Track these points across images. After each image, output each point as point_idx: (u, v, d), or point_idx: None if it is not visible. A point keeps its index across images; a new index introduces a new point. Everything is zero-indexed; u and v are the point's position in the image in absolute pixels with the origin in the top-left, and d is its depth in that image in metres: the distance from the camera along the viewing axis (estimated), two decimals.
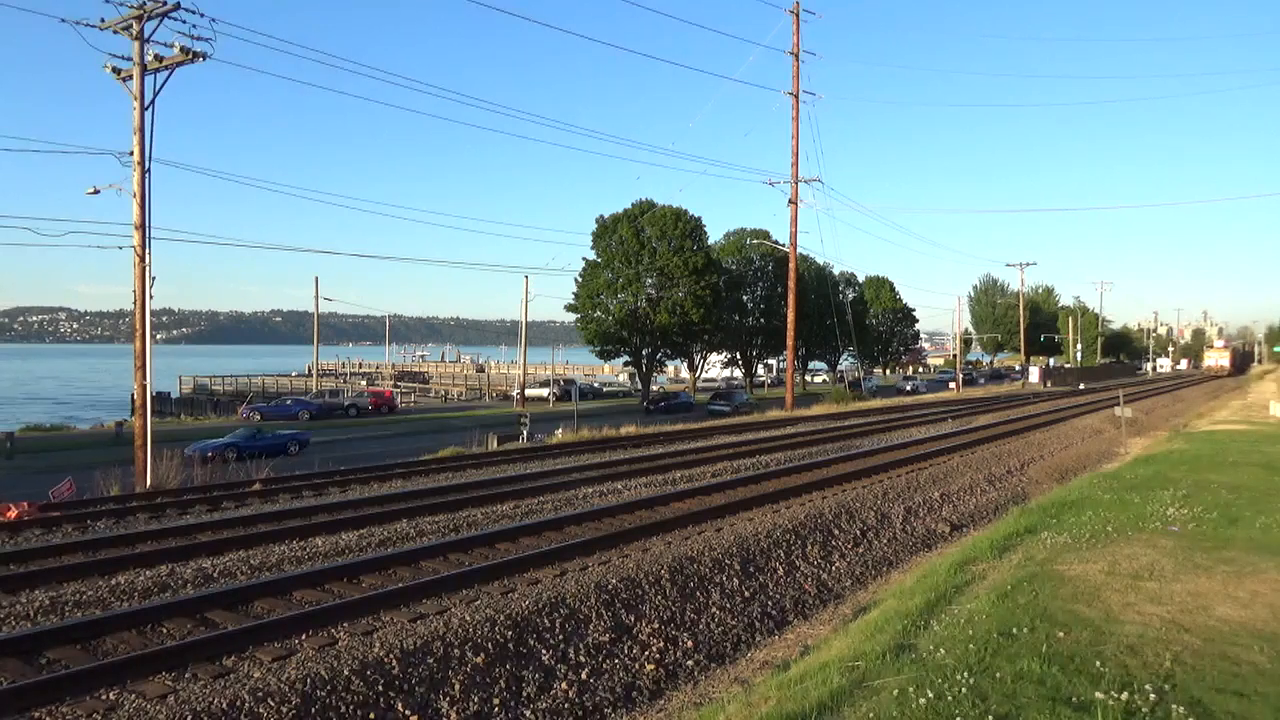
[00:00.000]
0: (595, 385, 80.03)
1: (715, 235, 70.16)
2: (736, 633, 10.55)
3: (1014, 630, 7.96)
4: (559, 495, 17.26)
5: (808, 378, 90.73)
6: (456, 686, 8.20)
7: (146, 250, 21.74)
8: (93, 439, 39.36)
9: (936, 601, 9.49)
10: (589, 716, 8.31)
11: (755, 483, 18.63)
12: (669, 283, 59.04)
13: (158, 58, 21.46)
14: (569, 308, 62.16)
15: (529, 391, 63.40)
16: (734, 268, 71.40)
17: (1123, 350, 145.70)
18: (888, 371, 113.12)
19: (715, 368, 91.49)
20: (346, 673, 7.86)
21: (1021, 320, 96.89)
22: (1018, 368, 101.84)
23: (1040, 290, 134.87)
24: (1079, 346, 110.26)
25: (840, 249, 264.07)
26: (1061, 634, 7.82)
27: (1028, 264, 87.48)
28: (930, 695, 6.32)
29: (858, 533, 15.16)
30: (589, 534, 13.33)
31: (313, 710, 7.38)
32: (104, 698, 7.34)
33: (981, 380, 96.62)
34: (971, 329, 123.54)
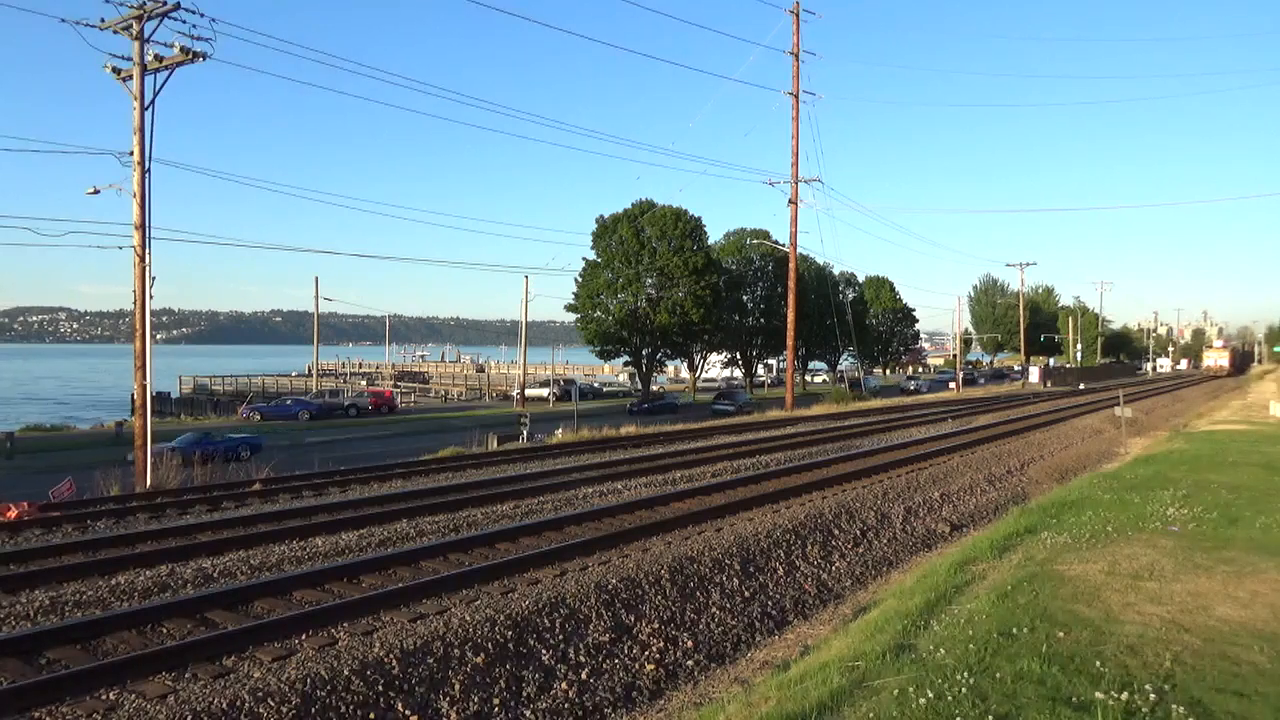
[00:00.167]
0: (595, 385, 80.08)
1: (715, 235, 70.25)
2: (736, 633, 10.55)
3: (1014, 630, 7.96)
4: (559, 495, 17.26)
5: (808, 378, 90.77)
6: (456, 686, 8.20)
7: (146, 250, 21.74)
8: (93, 439, 39.37)
9: (936, 601, 9.49)
10: (589, 716, 8.31)
11: (755, 483, 18.63)
12: (669, 283, 59.05)
13: (158, 58, 21.46)
14: (569, 308, 62.18)
15: (529, 391, 63.41)
16: (734, 268, 71.41)
17: (1123, 350, 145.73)
18: (888, 371, 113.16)
19: (715, 368, 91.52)
20: (346, 673, 7.86)
21: (1021, 320, 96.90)
22: (1017, 368, 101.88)
23: (1040, 290, 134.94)
24: (1079, 346, 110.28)
25: (840, 249, 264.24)
26: (1061, 634, 7.82)
27: (1028, 264, 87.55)
28: (930, 695, 6.32)
29: (858, 533, 15.16)
30: (589, 534, 13.33)
31: (313, 710, 7.38)
32: (104, 698, 7.34)
33: (981, 380, 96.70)
34: (971, 329, 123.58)
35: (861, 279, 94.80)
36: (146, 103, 21.56)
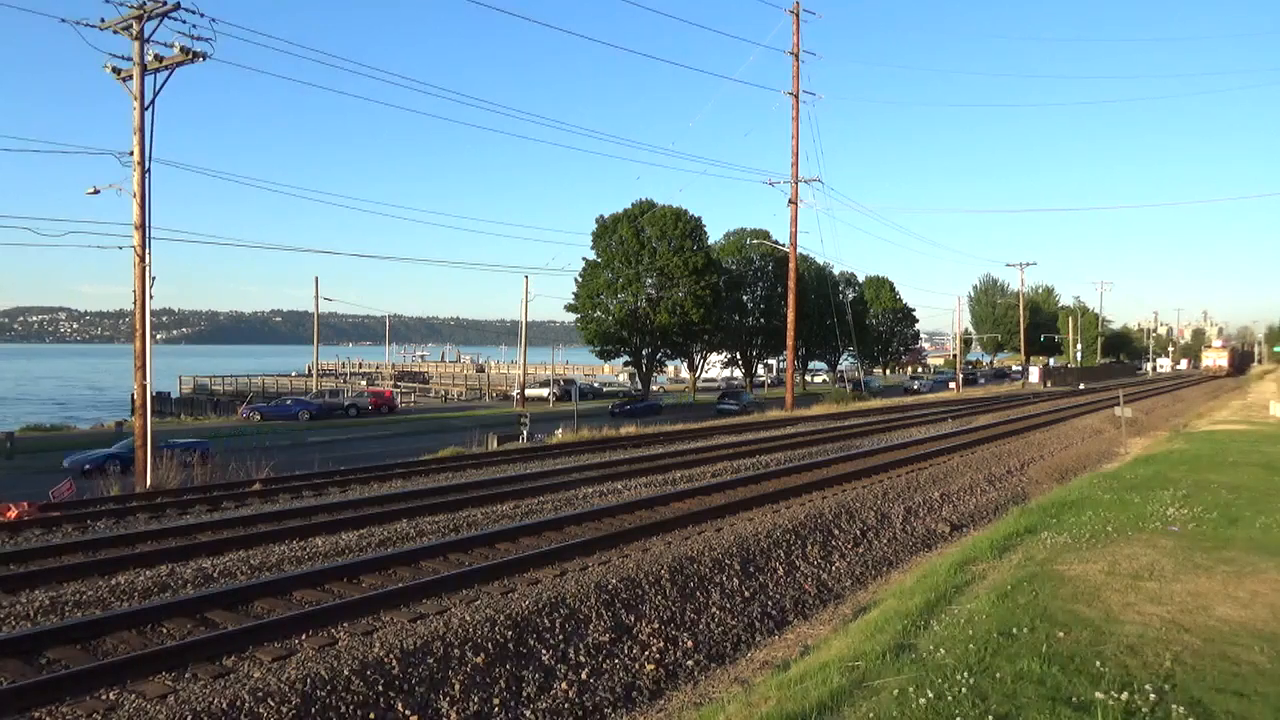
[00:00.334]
0: (595, 385, 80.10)
1: (715, 235, 70.34)
2: (736, 633, 10.55)
3: (1014, 630, 7.96)
4: (559, 495, 17.26)
5: (808, 378, 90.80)
6: (456, 686, 8.20)
7: (146, 250, 21.74)
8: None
9: (936, 601, 9.49)
10: (589, 716, 8.31)
11: (755, 483, 18.63)
12: (669, 283, 59.06)
13: (158, 58, 21.47)
14: (569, 308, 62.19)
15: (529, 391, 63.41)
16: (734, 268, 71.44)
17: (1123, 350, 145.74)
18: (888, 371, 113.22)
19: (715, 368, 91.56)
20: (346, 673, 7.86)
21: (1021, 320, 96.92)
22: (1017, 368, 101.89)
23: (1040, 290, 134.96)
24: (1079, 346, 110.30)
25: (840, 249, 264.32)
26: (1061, 634, 7.82)
27: (1028, 264, 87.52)
28: (930, 695, 6.32)
29: (858, 533, 15.16)
30: (589, 534, 13.33)
31: (313, 710, 7.38)
32: (104, 698, 7.34)
33: (982, 380, 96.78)
34: (971, 329, 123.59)
35: (861, 279, 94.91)
36: (146, 103, 21.56)
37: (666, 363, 72.24)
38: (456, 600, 9.99)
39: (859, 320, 79.02)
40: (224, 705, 7.11)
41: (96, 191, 22.88)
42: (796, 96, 43.26)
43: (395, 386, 75.49)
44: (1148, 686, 6.46)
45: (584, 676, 8.89)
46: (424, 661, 8.33)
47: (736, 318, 71.61)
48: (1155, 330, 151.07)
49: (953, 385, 76.52)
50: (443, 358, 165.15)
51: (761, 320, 73.14)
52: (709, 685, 8.95)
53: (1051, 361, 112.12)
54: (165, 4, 20.99)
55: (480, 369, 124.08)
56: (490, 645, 8.86)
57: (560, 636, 9.41)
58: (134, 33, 21.32)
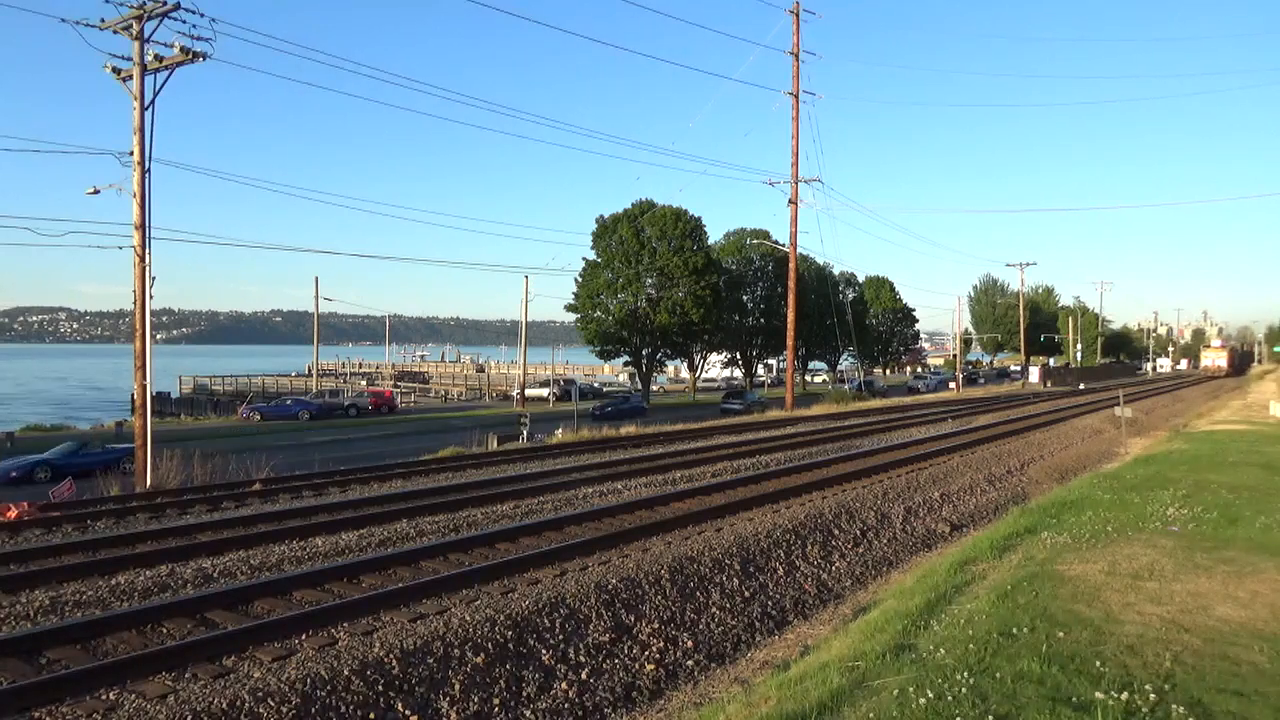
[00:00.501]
0: (595, 385, 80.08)
1: (715, 235, 70.38)
2: (736, 633, 10.55)
3: (1014, 630, 7.96)
4: (559, 495, 17.26)
5: (808, 378, 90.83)
6: (456, 686, 8.20)
7: (146, 250, 21.74)
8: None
9: (936, 601, 9.49)
10: (589, 716, 8.31)
11: (755, 483, 18.63)
12: (669, 283, 59.08)
13: (158, 58, 21.46)
14: (569, 308, 62.23)
15: (529, 391, 63.41)
16: (734, 268, 71.47)
17: (1123, 350, 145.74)
18: (888, 371, 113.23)
19: (715, 368, 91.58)
20: (346, 673, 7.86)
21: (1021, 320, 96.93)
22: (1016, 367, 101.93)
23: (1040, 290, 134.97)
24: (1079, 346, 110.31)
25: (840, 249, 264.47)
26: (1061, 634, 7.82)
27: (1028, 264, 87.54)
28: (930, 695, 6.32)
29: (858, 533, 15.16)
30: (589, 534, 13.33)
31: (313, 710, 7.38)
32: (104, 698, 7.34)
33: (982, 380, 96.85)
34: (971, 329, 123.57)
35: (861, 279, 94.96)
36: (146, 103, 21.56)
37: (666, 363, 72.30)
38: (456, 600, 9.99)
39: (859, 320, 79.05)
40: (224, 705, 7.11)
41: (96, 191, 22.88)
42: (796, 96, 43.27)
43: (395, 386, 75.50)
44: (1148, 686, 6.46)
45: (584, 676, 8.89)
46: (424, 661, 8.33)
47: (736, 318, 71.63)
48: (1155, 330, 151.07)
49: (952, 385, 76.59)
50: (443, 358, 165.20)
51: (761, 320, 73.16)
52: (709, 685, 8.96)
53: (1051, 361, 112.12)
54: (165, 4, 20.98)
55: (480, 369, 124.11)
56: (490, 645, 8.86)
57: (560, 636, 9.41)
58: (134, 33, 21.32)
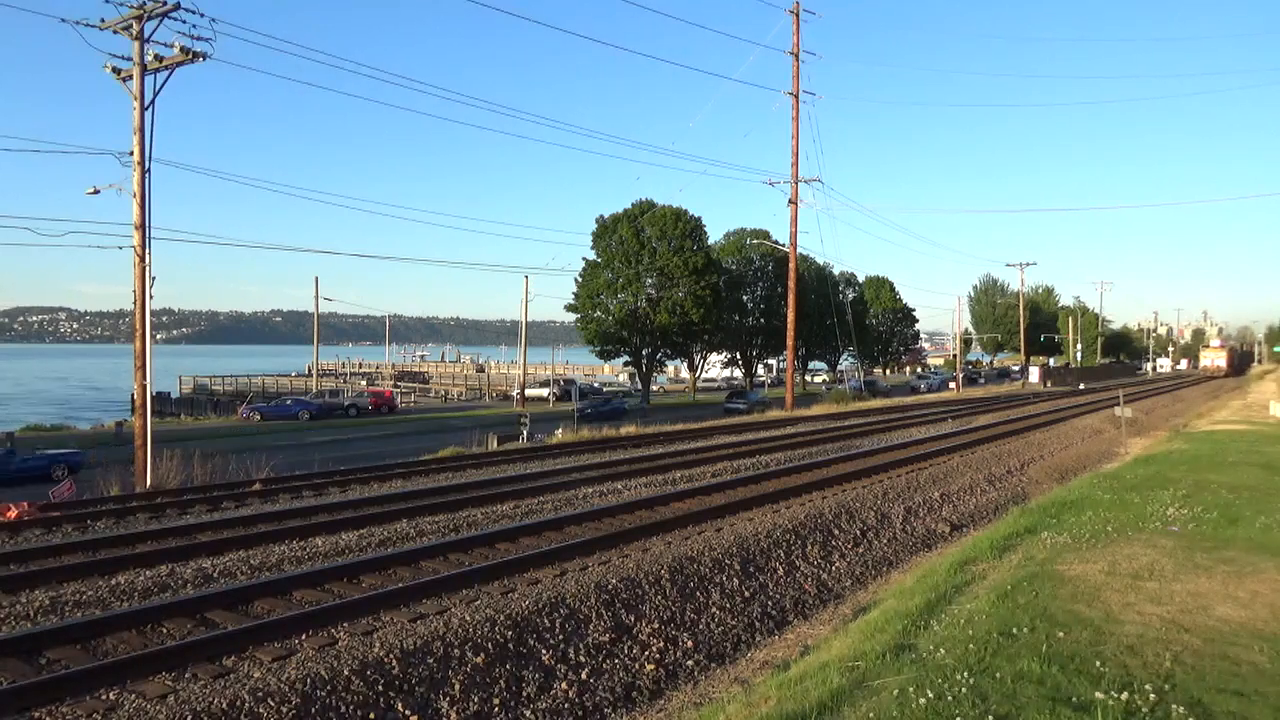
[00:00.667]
0: (595, 385, 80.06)
1: (715, 235, 70.37)
2: (736, 633, 10.55)
3: (1014, 630, 7.96)
4: (559, 495, 17.26)
5: (808, 378, 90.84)
6: (456, 686, 8.20)
7: (146, 250, 21.74)
8: (93, 439, 39.36)
9: (936, 601, 9.49)
10: (589, 716, 8.31)
11: (755, 483, 18.63)
12: (669, 283, 59.06)
13: (158, 58, 21.46)
14: (569, 308, 62.21)
15: (529, 391, 63.40)
16: (734, 268, 71.46)
17: (1123, 350, 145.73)
18: (888, 371, 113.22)
19: (715, 368, 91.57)
20: (346, 673, 7.86)
21: (1021, 320, 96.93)
22: (1016, 368, 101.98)
23: (1040, 290, 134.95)
24: (1079, 346, 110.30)
25: (840, 249, 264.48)
26: (1061, 634, 7.82)
27: (1028, 264, 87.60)
28: (930, 695, 6.32)
29: (858, 533, 15.16)
30: (589, 534, 13.33)
31: (313, 710, 7.38)
32: (104, 698, 7.34)
33: (982, 380, 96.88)
34: (971, 329, 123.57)
35: (861, 279, 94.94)
36: (146, 103, 21.56)
37: (666, 363, 72.28)
38: (456, 600, 9.99)
39: (859, 320, 79.04)
40: (224, 705, 7.11)
41: (96, 191, 22.89)
42: (796, 96, 43.26)
43: (395, 386, 75.50)
44: (1148, 686, 6.46)
45: (584, 676, 8.89)
46: (424, 661, 8.33)
47: (736, 318, 71.61)
48: (1155, 330, 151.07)
49: (952, 385, 76.66)
50: (443, 358, 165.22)
51: (761, 320, 73.14)
52: (709, 685, 8.95)
53: (1051, 361, 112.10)
54: (165, 4, 20.98)
55: (480, 369, 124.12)
56: (490, 645, 8.86)
57: (560, 636, 9.41)
58: (134, 33, 21.32)
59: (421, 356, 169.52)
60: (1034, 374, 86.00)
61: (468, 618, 9.22)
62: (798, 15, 43.18)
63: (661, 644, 9.84)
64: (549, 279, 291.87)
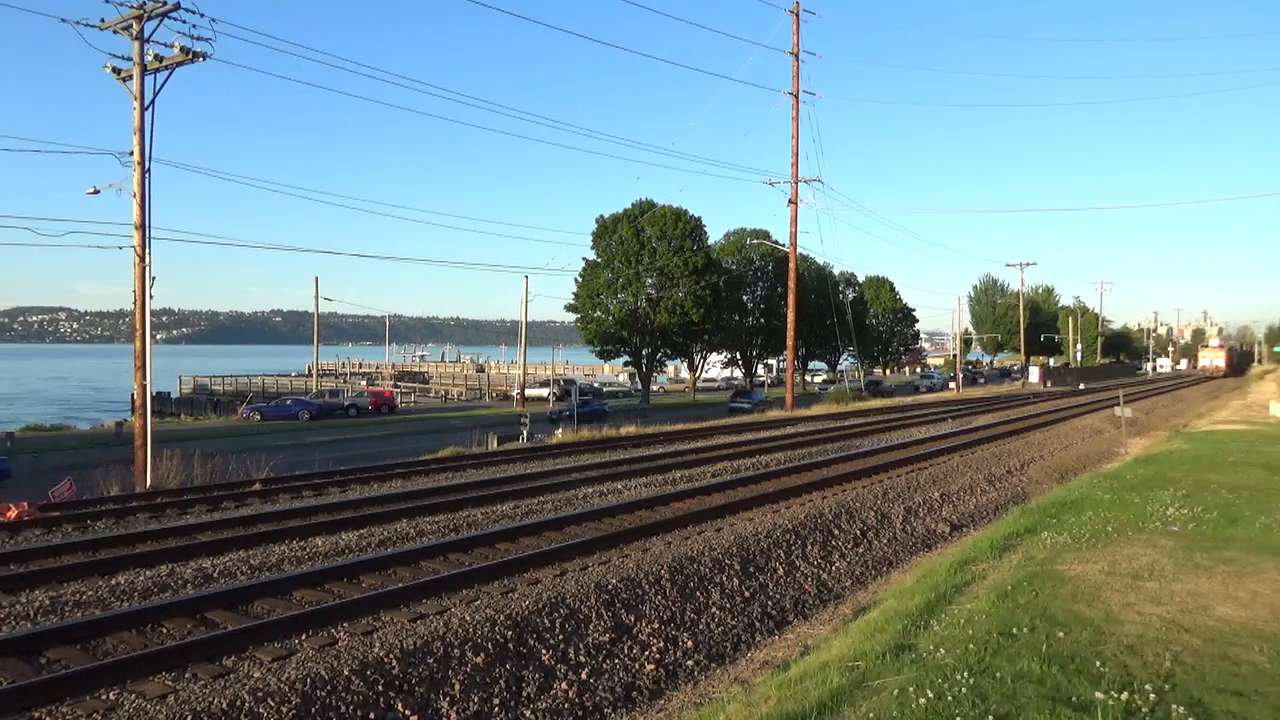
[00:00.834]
0: (595, 385, 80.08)
1: (715, 235, 70.39)
2: (736, 633, 10.55)
3: (1014, 630, 7.96)
4: (559, 495, 17.25)
5: (808, 378, 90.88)
6: (456, 686, 8.20)
7: (146, 250, 21.74)
8: (93, 439, 39.37)
9: (936, 601, 9.49)
10: (589, 716, 8.31)
11: (755, 483, 18.63)
12: (669, 283, 59.06)
13: (158, 58, 21.46)
14: (569, 308, 62.21)
15: (529, 391, 63.42)
16: (734, 268, 71.46)
17: (1123, 350, 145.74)
18: (888, 371, 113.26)
19: (715, 368, 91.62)
20: (346, 673, 7.86)
21: (1021, 320, 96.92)
22: (1017, 368, 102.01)
23: (1040, 290, 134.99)
24: (1079, 346, 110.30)
25: (840, 249, 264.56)
26: (1061, 634, 7.82)
27: (1028, 264, 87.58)
28: (930, 695, 6.32)
29: (858, 533, 15.16)
30: (589, 534, 13.32)
31: (313, 710, 7.38)
32: (104, 698, 7.34)
33: (982, 380, 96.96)
34: (971, 329, 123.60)
35: (861, 279, 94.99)
36: (146, 103, 21.56)
37: (666, 363, 72.28)
38: (456, 600, 9.99)
39: (859, 320, 79.06)
40: (224, 705, 7.11)
41: (96, 191, 22.89)
42: (796, 96, 43.26)
43: (395, 386, 75.53)
44: (1148, 686, 6.46)
45: (584, 676, 8.89)
46: (424, 661, 8.33)
47: (736, 318, 71.62)
48: (1155, 330, 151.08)
49: (952, 385, 76.72)
50: (443, 358, 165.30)
51: (761, 320, 73.14)
52: (709, 685, 8.95)
53: (1051, 361, 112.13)
54: (165, 4, 20.98)
55: (480, 369, 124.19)
56: (490, 645, 8.86)
57: (560, 636, 9.41)
58: (134, 33, 21.32)
59: (421, 356, 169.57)
60: (1034, 374, 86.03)
61: (468, 618, 9.22)
62: (798, 15, 43.19)
63: (661, 644, 9.84)
64: (549, 279, 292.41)
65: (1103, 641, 7.64)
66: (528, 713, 8.16)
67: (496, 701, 8.18)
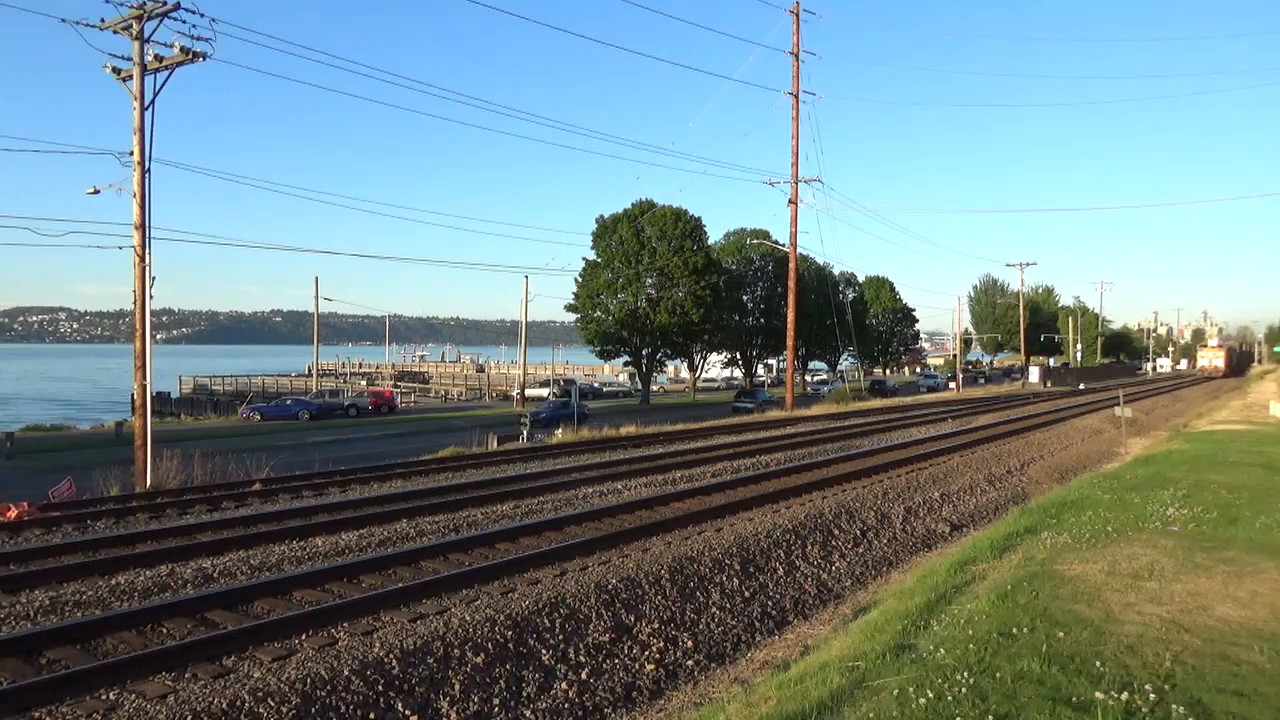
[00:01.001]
0: (595, 385, 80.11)
1: (715, 235, 70.38)
2: (736, 633, 10.55)
3: (1014, 630, 7.96)
4: (559, 495, 17.25)
5: (808, 378, 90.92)
6: (456, 686, 8.20)
7: (146, 250, 21.74)
8: (93, 439, 39.37)
9: (936, 601, 9.49)
10: (589, 716, 8.31)
11: (755, 483, 18.63)
12: (669, 283, 59.07)
13: (158, 58, 21.45)
14: (569, 308, 62.21)
15: (529, 391, 63.40)
16: (734, 268, 71.46)
17: (1123, 350, 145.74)
18: (888, 371, 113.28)
19: (715, 368, 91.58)
20: (346, 673, 7.86)
21: (1021, 320, 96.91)
22: (1017, 367, 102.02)
23: (1040, 290, 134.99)
24: (1079, 346, 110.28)
25: (840, 249, 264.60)
26: (1061, 634, 7.82)
27: (1028, 264, 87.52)
28: (930, 695, 6.32)
29: (858, 533, 15.16)
30: (589, 534, 13.32)
31: (313, 710, 7.38)
32: (104, 698, 7.34)
33: (982, 380, 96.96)
34: (971, 329, 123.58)
35: (861, 279, 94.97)
36: (146, 103, 21.55)
37: (666, 363, 72.30)
38: (456, 600, 9.99)
39: (859, 320, 79.05)
40: (224, 705, 7.11)
41: (96, 191, 22.88)
42: (796, 96, 43.25)
43: (395, 386, 75.54)
44: (1148, 686, 6.46)
45: (584, 676, 8.89)
46: (424, 661, 8.33)
47: (736, 318, 71.60)
48: (1155, 330, 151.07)
49: (952, 385, 76.76)
50: (443, 358, 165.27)
51: (761, 320, 73.14)
52: (709, 685, 8.95)
53: (1051, 361, 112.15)
54: (165, 4, 20.97)
55: (480, 369, 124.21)
56: (490, 645, 8.86)
57: (560, 636, 9.41)
58: (134, 33, 21.31)
59: (421, 356, 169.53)
60: (1034, 374, 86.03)
61: (468, 618, 9.22)
62: (798, 15, 43.18)
63: (661, 644, 9.84)
64: (549, 279, 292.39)
65: (1103, 641, 7.64)
66: (528, 713, 8.17)
67: (496, 701, 8.18)
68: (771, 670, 8.84)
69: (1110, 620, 8.28)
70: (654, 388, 71.47)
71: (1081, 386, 73.04)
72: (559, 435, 31.82)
